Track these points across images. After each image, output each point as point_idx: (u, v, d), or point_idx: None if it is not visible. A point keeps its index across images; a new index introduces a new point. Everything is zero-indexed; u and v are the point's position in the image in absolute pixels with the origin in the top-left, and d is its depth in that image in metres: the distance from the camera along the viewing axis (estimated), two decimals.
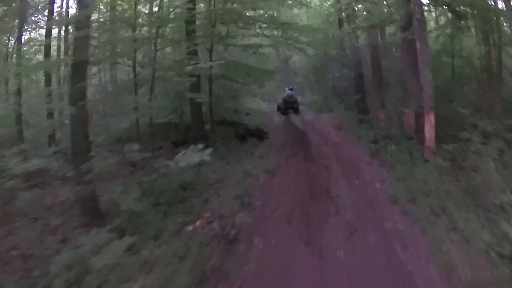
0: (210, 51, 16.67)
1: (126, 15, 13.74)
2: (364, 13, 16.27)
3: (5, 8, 14.66)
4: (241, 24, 16.53)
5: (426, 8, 13.46)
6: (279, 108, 23.05)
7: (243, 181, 9.85)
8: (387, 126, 13.47)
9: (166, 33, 15.47)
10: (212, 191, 9.22)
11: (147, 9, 16.44)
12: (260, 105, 24.88)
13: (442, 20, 18.61)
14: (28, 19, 16.43)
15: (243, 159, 12.29)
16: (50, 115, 15.48)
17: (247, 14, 16.42)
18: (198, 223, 7.22)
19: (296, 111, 22.62)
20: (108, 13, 16.86)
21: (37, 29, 18.30)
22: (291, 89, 23.78)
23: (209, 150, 7.87)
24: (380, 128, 13.67)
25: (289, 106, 22.59)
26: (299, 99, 26.36)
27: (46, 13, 16.43)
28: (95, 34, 12.32)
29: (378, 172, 10.02)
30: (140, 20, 13.71)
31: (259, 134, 16.02)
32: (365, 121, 15.75)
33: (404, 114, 13.01)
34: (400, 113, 13.54)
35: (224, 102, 19.87)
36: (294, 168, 11.05)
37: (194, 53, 15.02)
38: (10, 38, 16.35)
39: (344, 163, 11.18)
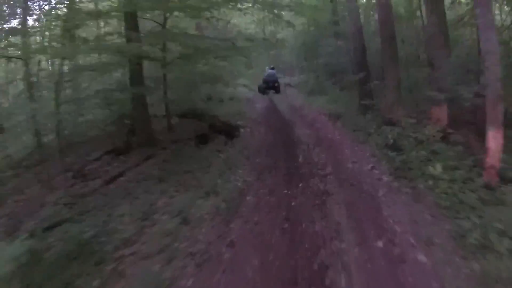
0: (163, 24, 11.92)
1: None
2: None
3: None
4: None
5: None
6: (259, 89, 19.71)
7: (170, 242, 5.10)
8: (405, 121, 8.68)
9: None
10: (110, 269, 4.52)
11: None
12: (242, 90, 20.63)
13: None
14: None
15: (191, 180, 7.60)
16: None
17: None
18: None
19: (277, 90, 19.30)
20: None
21: None
22: (272, 68, 20.36)
23: None
24: (396, 122, 8.90)
25: (269, 86, 19.19)
26: (287, 80, 24.24)
27: None
28: None
29: (414, 216, 5.19)
30: None
31: (228, 131, 11.25)
32: (370, 109, 11.00)
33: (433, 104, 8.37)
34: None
35: (191, 90, 15.56)
36: (266, 202, 6.22)
37: (133, 27, 10.30)
38: None
39: (351, 190, 6.35)
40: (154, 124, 13.00)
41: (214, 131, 11.53)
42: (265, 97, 19.76)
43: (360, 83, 12.10)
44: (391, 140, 7.84)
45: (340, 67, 16.71)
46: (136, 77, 10.72)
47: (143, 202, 6.65)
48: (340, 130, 10.66)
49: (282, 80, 23.62)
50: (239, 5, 11.59)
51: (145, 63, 11.54)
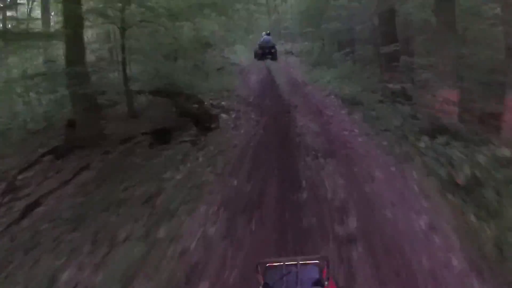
0: None
1: None
2: None
3: None
4: None
5: None
6: (256, 55, 17.56)
7: None
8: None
9: None
10: None
11: None
12: (236, 58, 18.70)
13: None
14: None
15: (119, 226, 4.34)
16: None
17: None
18: None
19: (274, 57, 17.04)
20: None
21: None
22: (268, 34, 17.92)
23: None
24: (458, 131, 5.38)
25: (266, 52, 17.05)
26: (288, 47, 21.06)
27: None
28: None
29: None
30: None
31: (203, 121, 7.78)
32: (401, 96, 7.51)
33: None
34: None
35: (169, 60, 12.38)
36: None
37: None
38: None
39: None
40: (116, 108, 9.81)
41: (188, 118, 8.14)
42: (262, 67, 16.29)
43: (386, 59, 8.50)
44: (464, 175, 4.26)
45: (354, 35, 12.93)
46: (74, 51, 7.42)
47: (42, 274, 3.54)
48: (361, 127, 7.10)
49: (283, 47, 21.01)
50: None
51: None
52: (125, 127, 8.39)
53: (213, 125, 7.54)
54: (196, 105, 9.40)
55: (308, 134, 6.87)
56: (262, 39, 17.85)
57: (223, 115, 8.60)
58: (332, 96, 9.62)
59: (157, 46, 12.38)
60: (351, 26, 12.31)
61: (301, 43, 20.27)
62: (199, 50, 17.18)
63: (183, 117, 8.31)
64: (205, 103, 9.76)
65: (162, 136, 7.02)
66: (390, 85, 7.99)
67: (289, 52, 19.67)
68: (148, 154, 6.56)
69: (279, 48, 21.20)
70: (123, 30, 9.10)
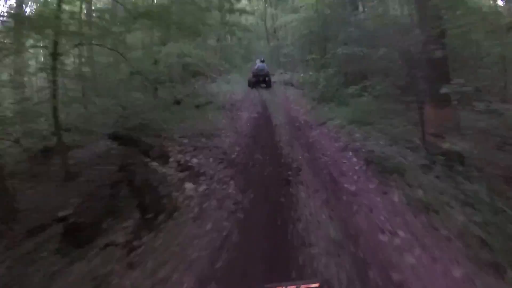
0: None
1: None
2: None
3: None
4: None
5: None
6: (249, 83, 18.32)
7: None
8: None
9: None
10: None
11: None
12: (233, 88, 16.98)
13: None
14: None
15: None
16: None
17: None
18: None
19: (268, 85, 17.73)
20: None
21: None
22: (263, 61, 18.57)
23: None
24: None
25: (260, 80, 17.91)
26: (287, 77, 19.57)
27: None
28: None
29: None
30: None
31: (151, 204, 4.89)
32: (454, 156, 4.70)
33: None
34: None
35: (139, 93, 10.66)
36: None
37: None
38: None
39: None
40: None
41: (131, 193, 5.33)
42: (256, 101, 13.76)
43: (432, 99, 5.77)
44: None
45: (370, 63, 10.23)
46: None
47: None
48: (407, 223, 4.14)
49: (282, 77, 20.04)
50: None
51: None
52: (50, 197, 5.70)
53: (162, 215, 4.64)
54: (155, 164, 6.65)
55: (319, 245, 3.92)
56: (256, 67, 18.31)
57: (188, 185, 5.76)
58: (350, 153, 6.78)
59: (124, 76, 10.07)
60: (368, 51, 9.59)
61: (303, 72, 17.67)
62: (186, 80, 14.97)
63: (128, 188, 5.51)
64: (171, 159, 7.03)
65: (75, 237, 4.18)
66: (442, 144, 5.20)
67: (289, 83, 17.28)
68: (50, 267, 3.75)
69: (278, 78, 19.14)
70: (54, 54, 6.57)
